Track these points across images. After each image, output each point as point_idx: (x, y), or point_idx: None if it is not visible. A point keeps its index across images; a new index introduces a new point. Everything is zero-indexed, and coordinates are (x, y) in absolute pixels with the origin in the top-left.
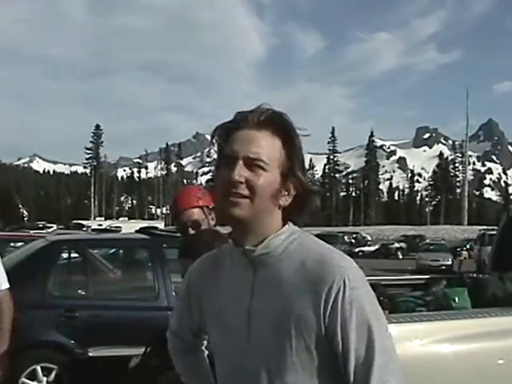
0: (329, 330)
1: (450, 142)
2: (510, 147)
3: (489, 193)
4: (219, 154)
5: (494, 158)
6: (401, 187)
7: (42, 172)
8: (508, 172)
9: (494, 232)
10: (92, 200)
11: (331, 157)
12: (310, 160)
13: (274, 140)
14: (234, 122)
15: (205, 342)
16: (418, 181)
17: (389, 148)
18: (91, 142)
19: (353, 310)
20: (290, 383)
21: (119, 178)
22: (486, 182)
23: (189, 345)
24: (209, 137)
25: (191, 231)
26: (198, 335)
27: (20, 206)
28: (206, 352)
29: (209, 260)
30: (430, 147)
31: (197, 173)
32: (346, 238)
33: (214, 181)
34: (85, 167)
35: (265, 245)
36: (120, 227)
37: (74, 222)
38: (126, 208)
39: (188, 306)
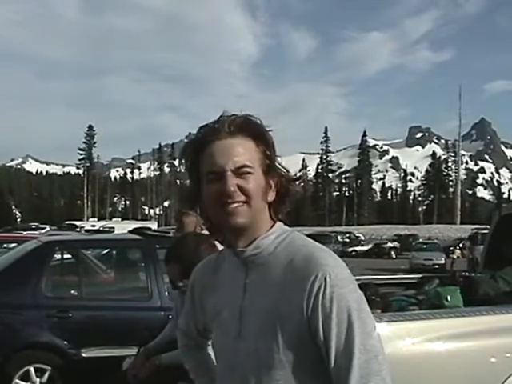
0: (312, 327)
1: (443, 141)
2: (502, 146)
3: (481, 192)
4: (196, 170)
5: (486, 157)
6: (394, 187)
7: (34, 173)
8: (500, 171)
9: (487, 231)
10: (85, 201)
11: (324, 156)
12: (303, 160)
13: (248, 142)
14: (204, 136)
15: (211, 341)
16: (410, 180)
17: (382, 147)
18: (84, 142)
19: (333, 308)
20: (279, 380)
21: (112, 179)
22: (479, 181)
23: (195, 342)
24: None
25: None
26: (202, 334)
27: (13, 207)
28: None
29: (211, 261)
30: (423, 147)
31: None
32: (339, 237)
33: (192, 197)
34: (78, 168)
35: (255, 245)
36: (113, 228)
37: (67, 222)
38: (119, 209)
39: (192, 305)
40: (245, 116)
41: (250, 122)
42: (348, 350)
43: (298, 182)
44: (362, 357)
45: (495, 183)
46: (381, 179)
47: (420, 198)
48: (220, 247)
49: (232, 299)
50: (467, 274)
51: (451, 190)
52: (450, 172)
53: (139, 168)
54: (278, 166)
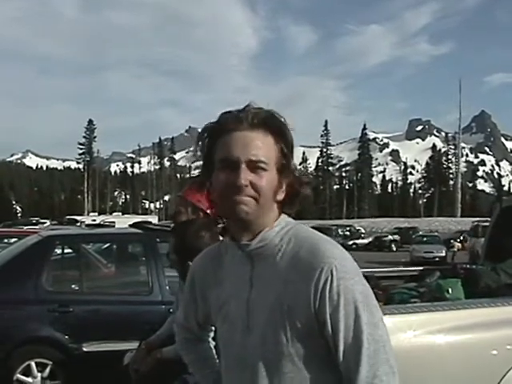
0: (319, 320)
1: (443, 134)
2: (502, 139)
3: (482, 184)
4: (211, 155)
5: (486, 149)
6: (394, 180)
7: (35, 168)
8: (501, 163)
9: (487, 223)
10: (85, 195)
11: (324, 150)
12: (303, 153)
13: (268, 139)
14: (226, 123)
15: (211, 334)
16: (411, 173)
17: (382, 140)
18: (84, 137)
19: (340, 300)
20: (288, 373)
21: (112, 173)
22: (479, 173)
23: (195, 336)
24: None
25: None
26: (203, 327)
27: (13, 202)
28: (213, 343)
29: (211, 253)
30: (423, 139)
31: (190, 167)
32: (339, 230)
33: (202, 180)
34: (78, 162)
35: (260, 238)
36: (114, 222)
37: (68, 217)
38: (120, 203)
39: (193, 298)
40: (270, 111)
41: (274, 119)
42: (357, 340)
43: (309, 186)
44: (371, 347)
45: (495, 176)
46: (381, 172)
47: (420, 191)
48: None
49: (238, 292)
50: (468, 266)
51: (451, 182)
52: (450, 165)
53: (139, 162)
54: (293, 166)
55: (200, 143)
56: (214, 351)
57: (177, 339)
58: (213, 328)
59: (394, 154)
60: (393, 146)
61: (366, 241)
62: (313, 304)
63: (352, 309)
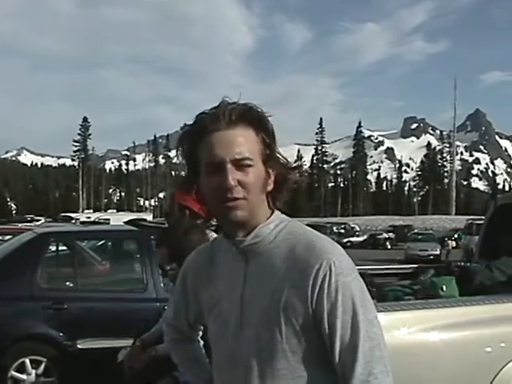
0: (316, 316)
1: (438, 132)
2: (497, 137)
3: (476, 183)
4: (195, 159)
5: (481, 148)
6: (389, 178)
7: (29, 165)
8: (495, 162)
9: (482, 221)
10: (80, 192)
11: (319, 148)
12: (298, 151)
13: (249, 133)
14: (204, 125)
15: (200, 333)
16: (405, 171)
17: (377, 138)
18: (79, 134)
19: (338, 296)
20: (281, 370)
21: (107, 171)
22: (474, 172)
23: (184, 335)
24: None
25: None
26: (193, 326)
27: (8, 200)
28: (202, 342)
29: (204, 252)
30: (418, 137)
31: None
32: (334, 228)
33: (188, 184)
34: (73, 160)
35: (254, 234)
36: (108, 219)
37: (63, 214)
38: (115, 200)
39: (184, 297)
40: (246, 104)
41: (252, 111)
42: (353, 338)
43: (296, 171)
44: (366, 344)
45: (490, 174)
46: (376, 170)
47: (415, 189)
48: (211, 236)
49: (231, 289)
50: (462, 264)
51: (446, 180)
52: (444, 163)
53: (134, 159)
54: (277, 154)
55: (181, 149)
56: (203, 351)
57: (165, 339)
58: (202, 327)
59: (389, 152)
60: (388, 143)
61: (360, 238)
62: (310, 300)
63: (350, 305)
